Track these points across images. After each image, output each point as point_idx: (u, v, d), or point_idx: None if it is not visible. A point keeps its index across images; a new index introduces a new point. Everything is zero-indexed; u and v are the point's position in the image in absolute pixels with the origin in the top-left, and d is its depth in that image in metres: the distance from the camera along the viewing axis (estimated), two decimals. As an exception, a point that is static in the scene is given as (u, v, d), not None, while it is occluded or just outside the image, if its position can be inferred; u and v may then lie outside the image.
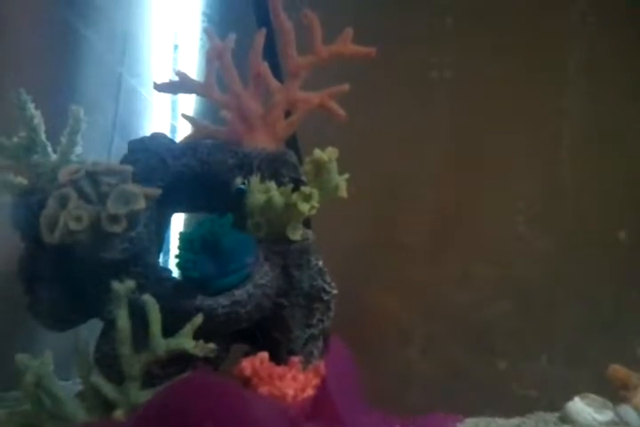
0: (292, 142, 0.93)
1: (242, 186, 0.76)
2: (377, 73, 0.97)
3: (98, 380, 0.70)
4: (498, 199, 1.07)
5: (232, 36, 0.82)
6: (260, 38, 0.82)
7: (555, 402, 0.91)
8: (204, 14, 0.93)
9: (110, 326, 0.72)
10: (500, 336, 1.08)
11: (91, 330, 0.76)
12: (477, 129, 1.06)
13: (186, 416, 0.48)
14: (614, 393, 0.89)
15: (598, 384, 0.91)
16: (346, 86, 0.83)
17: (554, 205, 1.06)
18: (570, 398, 0.88)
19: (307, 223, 0.84)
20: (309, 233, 0.81)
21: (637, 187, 1.03)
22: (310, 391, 0.67)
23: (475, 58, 1.05)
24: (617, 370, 0.90)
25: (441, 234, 1.13)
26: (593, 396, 0.89)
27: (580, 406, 0.88)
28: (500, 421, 0.94)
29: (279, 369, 0.72)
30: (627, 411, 0.85)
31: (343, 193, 0.77)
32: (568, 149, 1.05)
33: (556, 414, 0.91)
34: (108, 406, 0.69)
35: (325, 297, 0.82)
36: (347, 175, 0.77)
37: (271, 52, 0.88)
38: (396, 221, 1.13)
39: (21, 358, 0.68)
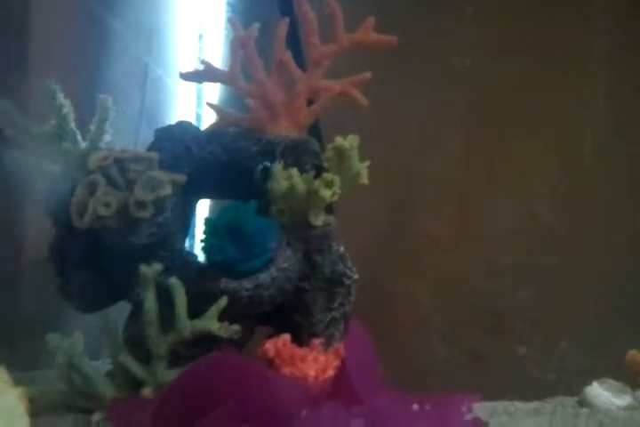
0: (314, 130, 0.95)
1: (267, 164, 0.78)
2: (398, 62, 0.97)
3: (126, 359, 0.73)
4: (518, 186, 1.08)
5: (255, 26, 0.83)
6: (283, 27, 0.84)
7: (573, 387, 0.91)
8: (229, 4, 0.94)
9: (138, 307, 0.75)
10: (520, 322, 1.10)
11: (119, 312, 0.78)
12: (498, 117, 1.06)
13: (210, 394, 0.50)
14: (633, 378, 0.90)
15: (617, 370, 0.92)
16: (368, 74, 0.84)
17: (575, 193, 1.06)
18: (588, 382, 0.89)
19: (329, 210, 0.86)
20: (331, 219, 0.83)
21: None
22: (331, 372, 0.69)
23: (496, 48, 1.06)
24: (636, 356, 0.90)
25: (462, 222, 1.14)
26: (611, 381, 0.90)
27: (598, 391, 0.89)
28: (519, 404, 0.94)
29: (301, 351, 0.74)
30: (645, 396, 0.86)
31: (364, 180, 0.78)
32: (590, 138, 1.05)
33: (575, 399, 0.92)
34: (136, 384, 0.72)
35: (347, 282, 0.84)
36: (367, 162, 0.78)
37: (294, 41, 0.89)
38: (418, 209, 1.15)
39: (53, 338, 0.70)
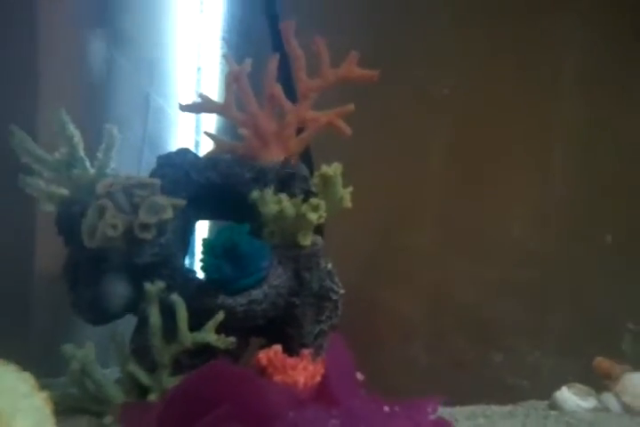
0: (306, 157, 1.02)
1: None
2: (381, 89, 1.05)
3: (134, 368, 0.80)
4: (497, 206, 1.16)
5: (248, 62, 0.91)
6: (273, 63, 0.91)
7: (545, 391, 0.99)
8: (224, 39, 1.02)
9: (144, 321, 0.83)
10: (498, 332, 1.17)
11: (126, 325, 0.86)
12: (478, 141, 1.14)
13: (208, 399, 0.57)
14: (599, 383, 0.97)
15: (585, 375, 1.00)
16: (351, 106, 0.92)
17: (548, 212, 1.14)
18: (558, 387, 0.97)
19: (319, 230, 0.93)
20: (318, 239, 0.90)
21: (623, 196, 1.10)
22: (319, 379, 0.76)
23: (473, 75, 1.14)
24: (601, 362, 0.98)
25: (445, 238, 1.21)
26: (579, 385, 0.98)
27: (566, 395, 0.96)
28: (495, 408, 1.02)
29: (292, 360, 0.81)
30: (608, 398, 0.94)
31: (348, 204, 0.86)
32: (560, 159, 1.13)
33: (546, 402, 0.99)
34: (142, 390, 0.80)
35: (334, 297, 0.92)
36: (350, 188, 0.86)
37: (285, 74, 0.97)
38: (404, 227, 1.22)
39: (67, 347, 0.78)
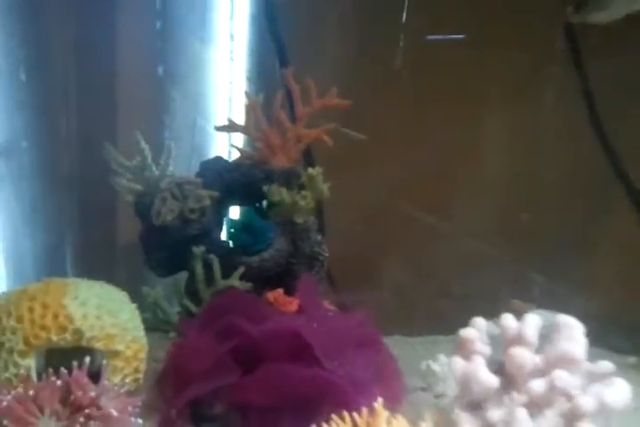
0: (309, 159, 1.43)
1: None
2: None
3: (187, 302, 1.24)
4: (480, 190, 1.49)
5: (260, 96, 1.32)
6: (279, 97, 1.31)
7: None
8: (247, 79, 1.42)
9: (192, 273, 1.26)
10: (456, 284, 1.54)
11: (182, 275, 1.29)
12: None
13: (227, 310, 1.00)
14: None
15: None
16: (333, 125, 1.31)
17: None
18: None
19: (319, 210, 1.34)
20: (310, 218, 1.31)
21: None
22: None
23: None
24: (515, 303, 1.36)
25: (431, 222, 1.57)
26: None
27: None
28: (441, 337, 1.41)
29: (288, 298, 1.23)
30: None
31: (327, 194, 1.26)
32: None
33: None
34: (192, 316, 1.23)
35: (321, 258, 1.32)
36: (328, 184, 1.26)
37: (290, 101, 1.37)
38: (390, 202, 1.58)
39: (145, 289, 1.22)
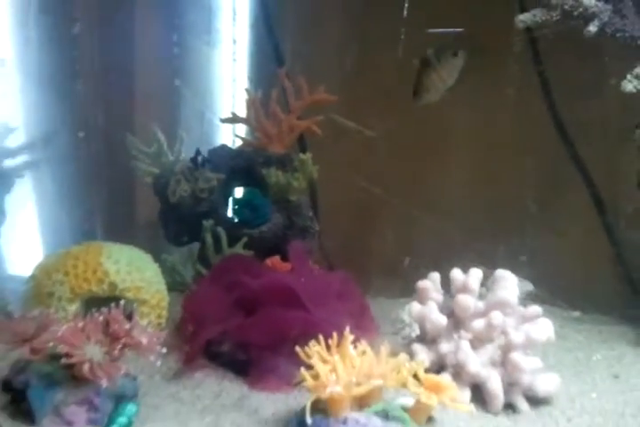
0: (301, 146, 1.65)
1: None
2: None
3: (199, 267, 1.47)
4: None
5: (259, 93, 1.54)
6: (275, 93, 1.54)
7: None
8: (248, 78, 1.65)
9: (203, 242, 1.49)
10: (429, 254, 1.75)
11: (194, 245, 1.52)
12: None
13: (232, 269, 1.23)
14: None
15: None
16: (319, 118, 1.53)
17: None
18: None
19: (312, 187, 1.57)
20: (302, 197, 1.54)
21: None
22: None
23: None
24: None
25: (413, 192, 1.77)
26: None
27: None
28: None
29: (284, 264, 1.46)
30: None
31: (315, 175, 1.49)
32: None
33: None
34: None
35: (311, 231, 1.55)
36: (317, 167, 1.49)
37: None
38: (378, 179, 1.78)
39: (164, 256, 1.45)
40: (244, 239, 1.47)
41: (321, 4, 1.70)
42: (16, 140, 1.49)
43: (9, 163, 1.49)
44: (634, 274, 1.56)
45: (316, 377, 0.92)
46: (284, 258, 1.47)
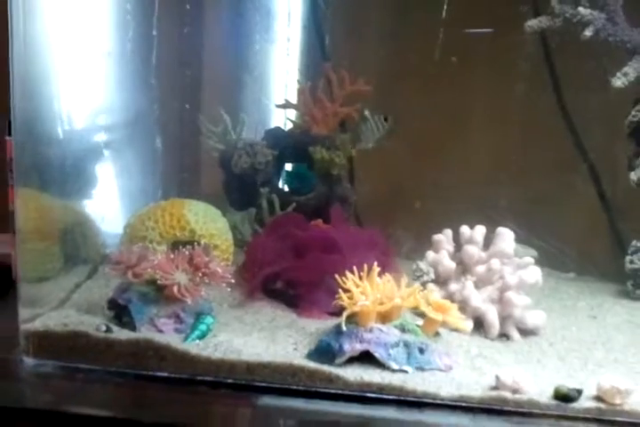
0: (342, 128, 1.94)
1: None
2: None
3: (256, 226, 1.78)
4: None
5: (308, 83, 1.84)
6: (322, 84, 1.83)
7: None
8: (299, 70, 1.96)
9: (260, 207, 1.79)
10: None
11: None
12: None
13: (285, 225, 1.53)
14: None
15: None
16: (358, 106, 1.82)
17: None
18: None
19: (351, 162, 1.86)
20: (342, 172, 1.83)
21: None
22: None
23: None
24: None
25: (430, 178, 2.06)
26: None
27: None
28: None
29: (326, 225, 1.76)
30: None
31: (353, 154, 1.78)
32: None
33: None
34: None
35: (350, 200, 1.85)
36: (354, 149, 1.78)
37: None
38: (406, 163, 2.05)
39: (228, 216, 1.77)
40: (293, 205, 1.78)
41: (363, 8, 1.99)
42: (107, 119, 1.81)
43: (100, 138, 1.81)
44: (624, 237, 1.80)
45: (350, 297, 1.21)
46: (326, 222, 1.77)
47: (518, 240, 1.69)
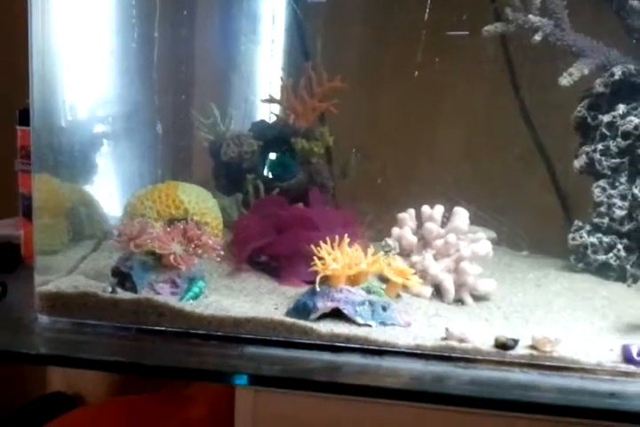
0: (321, 121, 2.14)
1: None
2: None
3: (243, 210, 1.97)
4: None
5: (290, 80, 2.03)
6: (303, 81, 2.03)
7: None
8: (282, 69, 2.15)
9: (246, 192, 1.98)
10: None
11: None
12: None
13: (267, 206, 1.73)
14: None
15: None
16: (335, 101, 2.02)
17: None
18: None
19: (329, 152, 2.06)
20: (320, 161, 2.03)
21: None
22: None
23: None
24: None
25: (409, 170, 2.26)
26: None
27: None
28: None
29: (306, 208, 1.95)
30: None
31: (330, 143, 1.98)
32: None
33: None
34: (245, 217, 1.96)
35: (328, 186, 2.04)
36: (332, 137, 1.98)
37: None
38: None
39: (217, 200, 1.96)
40: (277, 190, 1.96)
41: (342, 12, 2.20)
42: (106, 111, 1.99)
43: (99, 129, 2.00)
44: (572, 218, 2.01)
45: (323, 263, 1.41)
46: (306, 206, 1.96)
47: (479, 223, 1.91)
